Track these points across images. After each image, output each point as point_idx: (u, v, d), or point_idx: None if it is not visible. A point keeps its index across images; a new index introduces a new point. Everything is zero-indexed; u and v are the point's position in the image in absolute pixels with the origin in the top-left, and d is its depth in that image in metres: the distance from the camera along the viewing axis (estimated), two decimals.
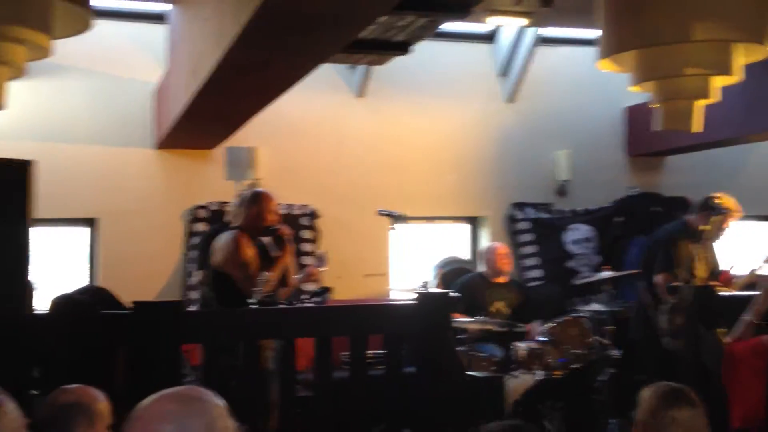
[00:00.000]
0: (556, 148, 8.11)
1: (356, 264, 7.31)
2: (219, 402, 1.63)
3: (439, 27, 5.19)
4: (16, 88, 4.00)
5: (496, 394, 5.26)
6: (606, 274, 6.13)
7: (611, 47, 4.80)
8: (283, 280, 4.88)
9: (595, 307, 6.26)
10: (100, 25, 4.04)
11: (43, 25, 3.68)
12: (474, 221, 8.15)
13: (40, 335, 3.60)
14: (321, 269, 5.42)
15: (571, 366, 5.54)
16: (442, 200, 7.83)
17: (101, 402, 2.71)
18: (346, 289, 7.11)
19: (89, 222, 6.99)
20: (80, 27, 3.93)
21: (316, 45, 4.06)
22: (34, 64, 4.04)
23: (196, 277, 6.05)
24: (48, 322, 3.82)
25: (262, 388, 4.38)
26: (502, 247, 6.57)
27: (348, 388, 4.18)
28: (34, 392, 3.48)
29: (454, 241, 8.13)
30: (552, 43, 8.08)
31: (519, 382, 5.44)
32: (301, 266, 5.62)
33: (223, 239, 4.81)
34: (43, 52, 3.90)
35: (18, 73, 3.94)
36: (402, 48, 5.09)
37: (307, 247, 7.15)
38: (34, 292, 3.87)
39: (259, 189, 5.40)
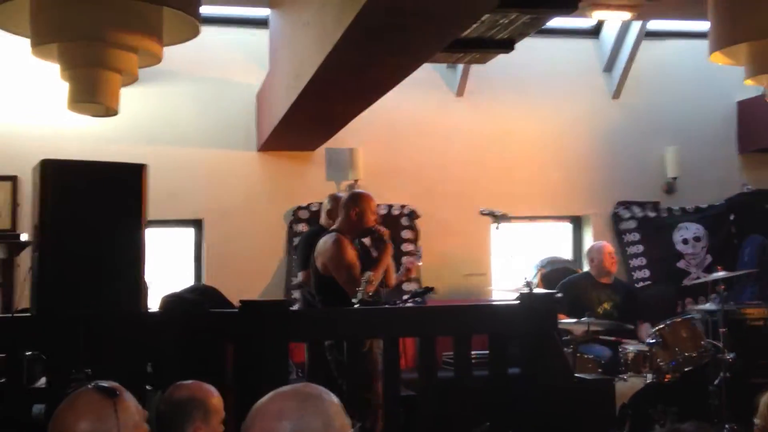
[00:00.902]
0: (664, 144, 7.86)
1: (456, 264, 7.28)
2: (335, 399, 1.63)
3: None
4: (126, 93, 4.13)
5: (604, 397, 5.12)
6: (719, 274, 5.88)
7: (724, 39, 4.62)
8: (383, 281, 4.88)
9: (707, 308, 6.02)
10: (205, 31, 4.13)
11: (155, 34, 3.79)
12: (577, 220, 7.99)
13: (153, 332, 3.71)
14: (418, 263, 5.47)
15: (683, 369, 5.35)
16: (544, 199, 7.69)
17: (215, 397, 2.78)
18: (446, 289, 7.10)
19: (195, 223, 7.18)
20: (189, 34, 4.03)
21: (419, 45, 4.04)
22: (143, 70, 4.17)
23: (298, 277, 6.14)
24: (160, 319, 3.94)
25: (366, 387, 4.40)
26: (610, 247, 6.43)
27: (451, 387, 4.16)
28: (148, 387, 3.60)
29: (554, 241, 7.99)
30: (658, 37, 7.87)
31: (628, 385, 5.29)
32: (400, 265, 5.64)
33: (325, 243, 4.83)
34: (154, 59, 4.02)
35: (131, 80, 4.07)
36: (505, 46, 5.00)
37: (407, 247, 7.14)
38: (148, 291, 4.00)
39: (359, 190, 5.43)
